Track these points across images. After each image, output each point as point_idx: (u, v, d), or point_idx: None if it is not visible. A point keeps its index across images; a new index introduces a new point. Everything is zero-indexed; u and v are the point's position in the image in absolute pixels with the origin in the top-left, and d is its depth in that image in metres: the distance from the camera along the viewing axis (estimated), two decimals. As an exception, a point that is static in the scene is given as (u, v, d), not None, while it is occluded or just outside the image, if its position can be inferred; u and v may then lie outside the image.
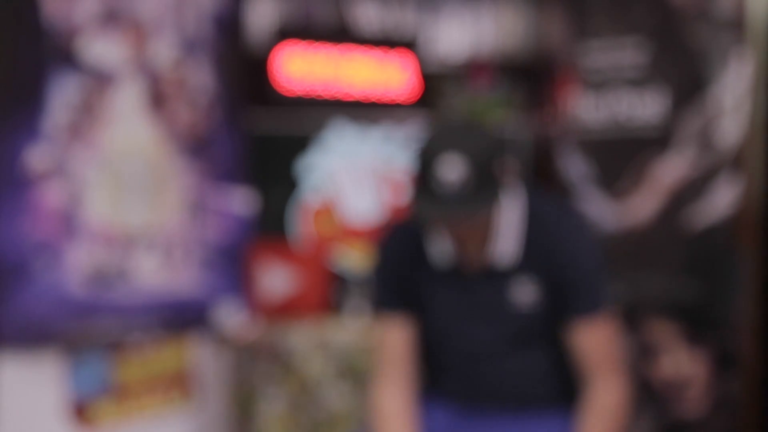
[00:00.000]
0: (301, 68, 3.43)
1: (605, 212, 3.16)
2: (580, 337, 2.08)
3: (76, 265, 2.82)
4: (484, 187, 1.94)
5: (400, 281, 2.15)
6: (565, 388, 2.15)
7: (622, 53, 3.14)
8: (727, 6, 2.85)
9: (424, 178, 1.96)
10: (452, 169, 1.93)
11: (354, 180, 3.52)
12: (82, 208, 2.84)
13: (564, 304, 2.07)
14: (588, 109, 3.24)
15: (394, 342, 2.15)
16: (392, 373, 2.14)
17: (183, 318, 3.07)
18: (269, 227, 3.37)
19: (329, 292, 3.42)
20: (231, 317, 3.16)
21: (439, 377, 2.19)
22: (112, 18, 2.87)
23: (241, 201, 3.18)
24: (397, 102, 3.59)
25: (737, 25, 2.82)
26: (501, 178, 1.99)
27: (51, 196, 2.77)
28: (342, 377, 3.15)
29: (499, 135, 1.86)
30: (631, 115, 3.12)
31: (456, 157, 1.93)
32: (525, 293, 2.08)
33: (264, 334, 3.19)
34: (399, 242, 2.17)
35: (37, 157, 2.74)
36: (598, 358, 2.09)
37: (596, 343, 2.09)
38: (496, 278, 2.08)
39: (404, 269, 2.14)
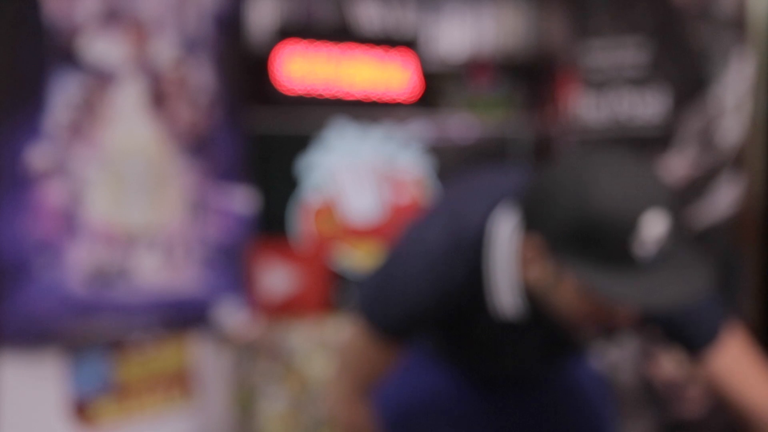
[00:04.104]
0: (302, 67, 3.43)
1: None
2: (713, 367, 1.71)
3: (77, 264, 2.82)
4: (683, 238, 1.52)
5: (426, 318, 1.74)
6: None
7: (623, 52, 3.13)
8: (728, 5, 2.84)
9: (611, 245, 1.47)
10: (656, 228, 1.47)
11: (355, 179, 3.52)
12: (83, 207, 2.84)
13: (679, 342, 1.73)
14: (589, 108, 3.24)
15: (376, 363, 1.81)
16: (360, 388, 1.85)
17: (184, 317, 3.07)
18: (270, 226, 3.37)
19: (330, 291, 3.42)
20: (232, 316, 3.15)
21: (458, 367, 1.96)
22: (113, 17, 2.87)
23: (241, 200, 3.18)
24: (398, 101, 3.59)
25: (738, 25, 2.82)
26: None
27: (52, 195, 2.77)
28: (342, 376, 3.15)
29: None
30: (632, 114, 3.12)
31: (660, 213, 1.47)
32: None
33: (265, 333, 3.19)
34: (454, 281, 1.69)
35: (37, 155, 2.74)
36: (749, 382, 1.71)
37: (735, 365, 1.71)
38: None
39: (444, 310, 1.73)
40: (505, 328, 1.74)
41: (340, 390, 1.87)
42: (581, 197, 1.48)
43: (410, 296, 1.70)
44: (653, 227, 1.47)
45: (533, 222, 1.56)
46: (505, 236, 1.66)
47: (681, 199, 1.47)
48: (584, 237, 1.48)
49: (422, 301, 1.70)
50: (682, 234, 1.52)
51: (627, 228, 1.46)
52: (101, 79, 2.85)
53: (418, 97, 3.62)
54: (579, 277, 1.50)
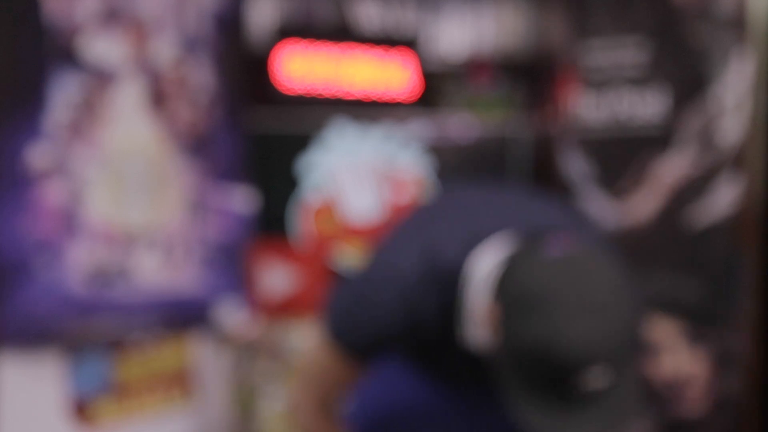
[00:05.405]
0: (302, 67, 3.43)
1: (606, 211, 3.16)
2: None
3: (77, 264, 2.82)
4: (627, 375, 1.55)
5: (392, 343, 1.76)
6: None
7: (622, 52, 3.13)
8: (728, 5, 2.84)
9: (548, 379, 1.51)
10: (599, 380, 1.51)
11: (355, 179, 3.52)
12: (83, 207, 2.84)
13: None
14: (589, 108, 3.24)
15: (339, 378, 1.83)
16: (324, 400, 1.88)
17: (184, 316, 3.07)
18: (270, 226, 3.37)
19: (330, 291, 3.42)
20: (232, 316, 3.15)
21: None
22: (113, 16, 2.87)
23: (241, 199, 3.18)
24: (398, 101, 3.58)
25: (738, 24, 2.82)
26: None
27: (51, 195, 2.77)
28: (342, 376, 3.15)
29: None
30: (631, 114, 3.12)
31: (607, 370, 1.51)
32: None
33: (265, 332, 3.19)
34: (426, 310, 1.70)
35: (37, 155, 2.74)
36: None
37: None
38: None
39: (412, 336, 1.74)
40: (473, 357, 1.74)
41: (306, 402, 1.88)
42: (544, 329, 1.49)
43: (379, 320, 1.71)
44: (594, 381, 1.49)
45: (502, 300, 1.57)
46: (483, 276, 1.66)
47: (637, 349, 1.56)
48: (530, 359, 1.50)
49: (391, 326, 1.71)
50: (627, 379, 1.54)
51: (569, 374, 1.48)
52: (101, 79, 2.85)
53: (418, 96, 3.62)
54: (507, 387, 1.53)
